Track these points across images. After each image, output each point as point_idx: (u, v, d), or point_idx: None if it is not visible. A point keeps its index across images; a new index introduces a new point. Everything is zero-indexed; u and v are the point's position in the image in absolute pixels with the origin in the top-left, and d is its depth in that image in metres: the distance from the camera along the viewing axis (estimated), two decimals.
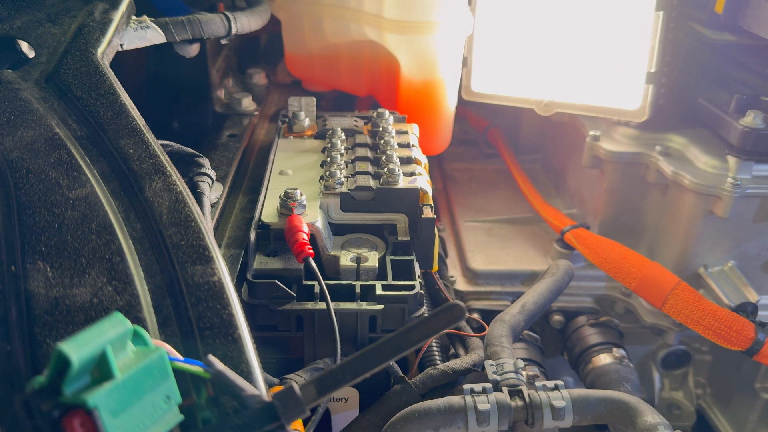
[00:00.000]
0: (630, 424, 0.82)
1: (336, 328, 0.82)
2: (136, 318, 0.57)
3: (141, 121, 0.79)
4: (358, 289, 0.87)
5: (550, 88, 1.33)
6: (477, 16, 1.33)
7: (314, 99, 1.22)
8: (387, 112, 1.19)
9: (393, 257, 0.92)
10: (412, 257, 0.92)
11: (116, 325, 0.46)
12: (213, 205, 0.96)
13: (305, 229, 0.88)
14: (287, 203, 0.91)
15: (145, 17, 1.03)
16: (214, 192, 0.98)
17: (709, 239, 1.19)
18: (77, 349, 0.43)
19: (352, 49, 1.38)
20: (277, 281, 0.84)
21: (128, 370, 0.46)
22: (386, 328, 0.87)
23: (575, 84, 1.31)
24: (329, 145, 1.10)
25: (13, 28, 0.94)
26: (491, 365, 0.89)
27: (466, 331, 1.03)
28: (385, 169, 0.99)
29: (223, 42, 1.15)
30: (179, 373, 0.51)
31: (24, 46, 0.90)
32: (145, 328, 0.56)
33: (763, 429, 1.32)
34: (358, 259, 0.90)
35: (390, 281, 0.88)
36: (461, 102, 1.42)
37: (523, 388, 0.84)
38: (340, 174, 0.99)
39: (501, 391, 0.84)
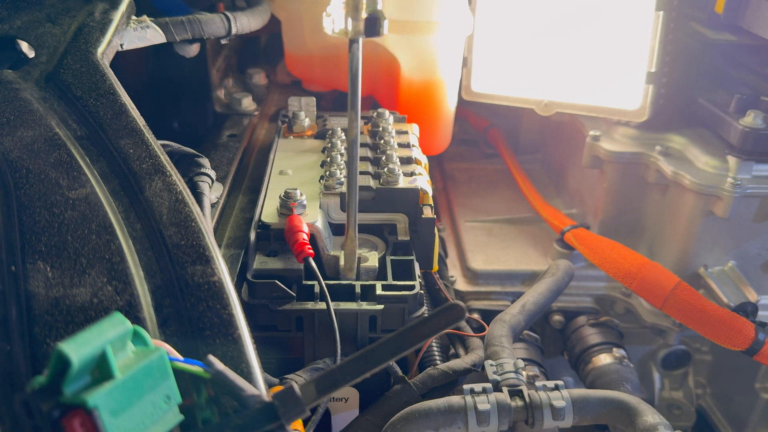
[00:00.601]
0: (630, 424, 0.82)
1: (336, 328, 0.82)
2: (136, 318, 0.57)
3: (141, 121, 0.79)
4: (358, 289, 0.87)
5: (550, 88, 1.33)
6: (477, 16, 1.33)
7: (314, 99, 1.22)
8: (387, 112, 1.20)
9: (393, 257, 0.92)
10: (412, 257, 0.92)
11: (116, 325, 0.46)
12: (213, 205, 0.96)
13: (305, 229, 0.88)
14: (287, 203, 0.91)
15: (145, 17, 1.03)
16: (214, 192, 0.98)
17: (709, 239, 1.19)
18: (77, 349, 0.43)
19: None
20: (277, 281, 0.84)
21: (128, 370, 0.46)
22: (386, 328, 0.87)
23: (575, 84, 1.31)
24: (329, 145, 1.10)
25: (13, 28, 0.94)
26: (491, 365, 0.89)
27: (466, 331, 1.03)
28: (385, 169, 0.99)
29: (223, 42, 1.15)
30: (179, 373, 0.51)
31: (24, 46, 0.90)
32: (145, 328, 0.56)
33: (763, 429, 1.32)
34: (359, 259, 0.90)
35: (390, 281, 0.88)
36: (461, 102, 1.42)
37: (523, 388, 0.84)
38: (340, 174, 0.99)
39: (501, 391, 0.84)
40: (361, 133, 1.15)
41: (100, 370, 0.45)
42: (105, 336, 0.45)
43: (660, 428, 0.79)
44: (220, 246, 0.93)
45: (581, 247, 1.24)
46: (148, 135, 0.77)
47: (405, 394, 0.87)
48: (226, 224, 0.99)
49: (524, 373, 0.89)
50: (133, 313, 0.57)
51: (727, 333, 1.04)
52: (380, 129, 1.14)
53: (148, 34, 1.01)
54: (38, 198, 0.67)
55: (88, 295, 0.58)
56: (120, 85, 0.85)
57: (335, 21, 0.70)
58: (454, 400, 0.83)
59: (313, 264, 0.84)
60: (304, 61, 1.48)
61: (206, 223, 0.72)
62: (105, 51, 0.90)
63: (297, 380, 0.79)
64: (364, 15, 0.69)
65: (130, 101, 0.82)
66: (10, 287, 0.58)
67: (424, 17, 1.23)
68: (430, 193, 1.00)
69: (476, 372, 0.93)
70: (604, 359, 1.17)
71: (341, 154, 1.05)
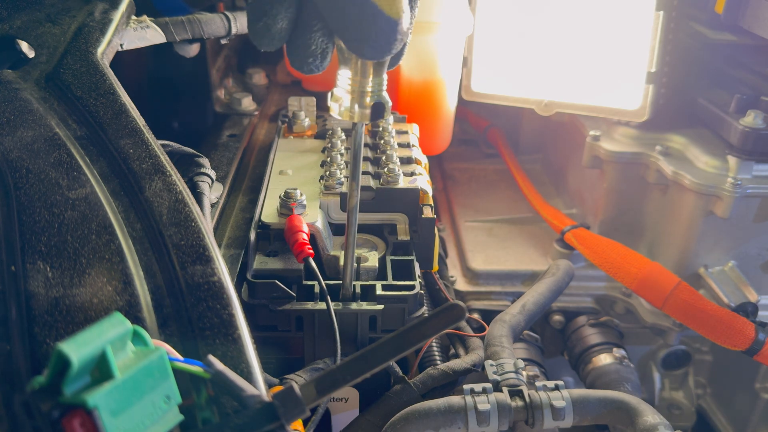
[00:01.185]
0: (630, 425, 0.82)
1: (336, 328, 0.82)
2: (136, 318, 0.57)
3: (141, 121, 0.79)
4: (358, 289, 0.86)
5: (550, 88, 1.33)
6: (477, 16, 1.33)
7: (314, 99, 1.22)
8: None
9: (393, 257, 0.92)
10: (412, 257, 0.92)
11: (116, 325, 0.46)
12: (213, 205, 0.96)
13: (305, 229, 0.88)
14: (287, 203, 0.91)
15: (145, 17, 1.03)
16: (214, 192, 0.98)
17: (709, 239, 1.19)
18: (77, 349, 0.43)
19: None
20: (277, 281, 0.84)
21: (128, 370, 0.46)
22: (386, 328, 0.87)
23: (575, 84, 1.31)
24: (329, 145, 1.10)
25: (13, 28, 0.93)
26: (491, 365, 0.89)
27: (466, 331, 1.03)
28: (385, 169, 0.99)
29: (223, 42, 1.15)
30: (179, 373, 0.51)
31: (24, 46, 0.90)
32: (145, 328, 0.56)
33: (764, 429, 1.32)
34: (359, 259, 0.90)
35: (390, 281, 0.87)
36: (461, 102, 1.42)
37: (524, 388, 0.84)
38: (340, 174, 0.99)
39: (501, 391, 0.84)
40: None
41: (100, 370, 0.45)
42: (105, 336, 0.45)
43: (660, 428, 0.79)
44: (220, 246, 0.92)
45: (581, 247, 1.24)
46: (148, 135, 0.77)
47: (405, 394, 0.87)
48: (226, 224, 0.99)
49: (524, 373, 0.89)
50: (133, 313, 0.57)
51: (728, 333, 1.04)
52: (380, 129, 1.14)
53: (148, 34, 1.01)
54: (38, 198, 0.67)
55: (88, 295, 0.58)
56: (120, 85, 0.84)
57: (342, 104, 0.70)
58: (454, 400, 0.82)
59: (313, 264, 0.84)
60: None
61: (206, 223, 0.72)
62: (105, 51, 0.90)
63: (297, 380, 0.79)
64: (369, 102, 0.68)
65: (130, 101, 0.82)
66: (10, 287, 0.58)
67: (424, 17, 1.23)
68: (430, 193, 1.00)
69: (476, 372, 0.93)
70: (604, 359, 1.17)
71: (341, 154, 1.05)
